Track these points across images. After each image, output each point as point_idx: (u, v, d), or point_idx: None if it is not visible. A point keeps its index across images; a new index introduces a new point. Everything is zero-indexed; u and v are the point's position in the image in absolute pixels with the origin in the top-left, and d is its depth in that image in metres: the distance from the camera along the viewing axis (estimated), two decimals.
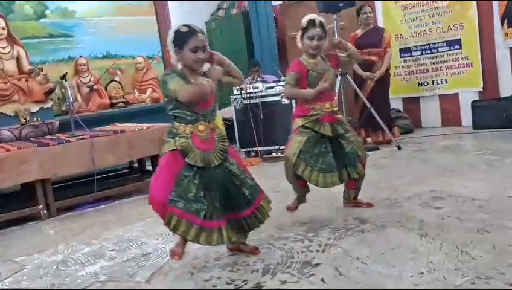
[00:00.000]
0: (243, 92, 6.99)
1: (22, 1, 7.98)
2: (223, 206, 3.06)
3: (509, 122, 6.53)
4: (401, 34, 7.87)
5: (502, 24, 6.69)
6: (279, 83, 6.89)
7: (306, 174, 3.70)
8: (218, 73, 3.10)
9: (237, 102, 7.10)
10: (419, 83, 7.80)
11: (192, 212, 2.92)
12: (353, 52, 3.96)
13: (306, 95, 3.73)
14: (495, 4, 6.71)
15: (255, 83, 7.13)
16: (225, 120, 8.30)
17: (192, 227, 2.92)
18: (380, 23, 7.88)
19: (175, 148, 2.99)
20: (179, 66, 3.05)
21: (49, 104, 6.72)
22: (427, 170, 4.98)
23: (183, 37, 2.95)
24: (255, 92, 6.93)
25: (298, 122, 3.78)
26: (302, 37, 3.76)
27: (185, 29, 2.96)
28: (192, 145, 2.99)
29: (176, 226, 2.92)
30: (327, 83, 3.67)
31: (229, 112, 7.70)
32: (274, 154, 6.82)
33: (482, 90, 7.14)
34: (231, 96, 7.20)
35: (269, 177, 5.49)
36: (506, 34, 6.68)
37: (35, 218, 5.02)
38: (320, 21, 3.69)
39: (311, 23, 3.68)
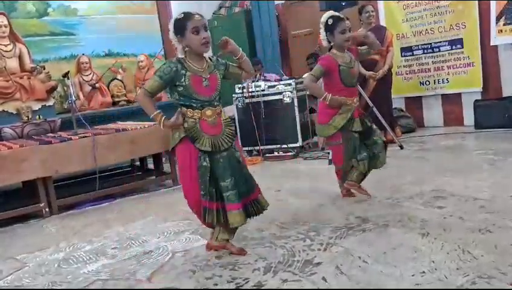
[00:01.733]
0: (244, 90, 6.98)
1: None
2: (237, 190, 3.13)
3: (511, 122, 6.51)
4: (402, 33, 7.86)
5: (498, 21, 6.66)
6: (281, 82, 6.87)
7: (360, 167, 3.98)
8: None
9: (239, 101, 7.09)
10: (420, 82, 7.79)
11: (216, 199, 3.08)
12: (374, 42, 4.05)
13: (323, 98, 3.86)
14: (493, 4, 6.69)
15: (257, 81, 7.13)
16: None
17: (220, 212, 3.10)
18: (382, 22, 7.86)
19: (184, 135, 3.06)
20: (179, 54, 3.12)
21: (51, 102, 6.73)
22: (429, 170, 4.98)
23: (182, 23, 3.03)
24: (257, 91, 6.92)
25: (332, 128, 3.92)
26: (331, 33, 3.85)
27: (180, 16, 3.05)
28: (201, 130, 3.06)
29: (209, 218, 3.08)
30: (346, 101, 3.88)
31: (231, 110, 7.69)
32: (276, 153, 6.83)
33: (482, 90, 7.13)
34: (233, 95, 7.19)
35: (271, 176, 5.51)
36: (500, 31, 6.66)
37: (36, 216, 5.03)
38: (344, 15, 3.89)
39: (339, 18, 3.83)
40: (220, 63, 3.23)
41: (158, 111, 3.08)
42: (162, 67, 3.03)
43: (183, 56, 3.09)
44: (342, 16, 3.85)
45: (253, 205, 3.22)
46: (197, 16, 3.03)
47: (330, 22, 3.82)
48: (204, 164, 3.05)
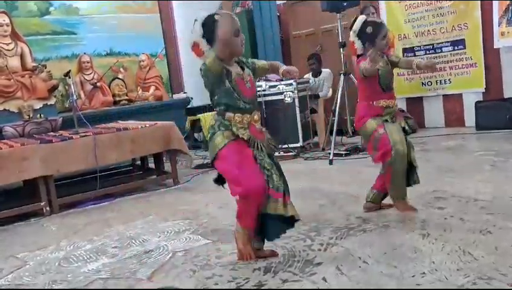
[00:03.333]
0: None
1: None
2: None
3: None
4: (404, 34, 7.85)
5: (500, 23, 6.65)
6: (282, 82, 6.86)
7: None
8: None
9: None
10: (422, 83, 7.78)
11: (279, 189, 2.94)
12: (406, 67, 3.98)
13: (374, 60, 3.50)
14: (495, 4, 6.68)
15: (258, 81, 7.13)
16: None
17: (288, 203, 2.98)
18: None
19: (233, 138, 2.89)
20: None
21: (52, 101, 6.73)
22: (430, 170, 4.97)
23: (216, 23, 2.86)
24: (258, 91, 6.92)
25: (372, 123, 3.63)
26: (372, 41, 3.60)
27: (217, 16, 2.89)
28: (252, 135, 2.93)
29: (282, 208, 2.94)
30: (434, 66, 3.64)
31: None
32: (276, 153, 6.81)
33: (484, 90, 7.12)
34: None
35: None
36: (503, 34, 6.65)
37: (37, 214, 5.03)
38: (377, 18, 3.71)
39: (377, 24, 3.63)
40: (248, 63, 3.11)
41: None
42: (210, 56, 2.82)
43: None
44: (378, 21, 3.68)
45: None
46: (233, 15, 2.95)
47: (370, 30, 3.58)
48: (262, 155, 2.94)
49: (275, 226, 3.00)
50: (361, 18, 3.69)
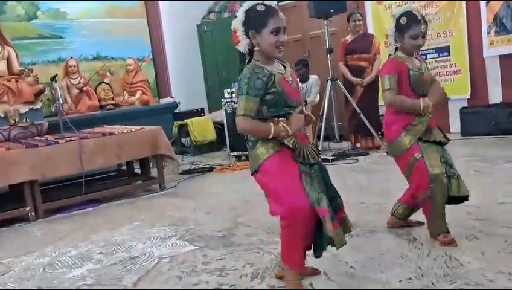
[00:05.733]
0: (233, 95, 6.97)
1: (14, 2, 7.94)
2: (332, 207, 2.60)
3: (498, 129, 6.56)
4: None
5: (489, 33, 6.72)
6: None
7: (454, 188, 3.23)
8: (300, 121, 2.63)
9: (228, 105, 7.08)
10: None
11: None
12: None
13: (419, 107, 3.21)
14: (483, 12, 6.75)
15: None
16: (216, 124, 8.30)
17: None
18: (370, 29, 7.90)
19: (278, 149, 2.54)
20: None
21: (38, 106, 6.67)
22: None
23: (262, 18, 2.55)
24: None
25: (405, 141, 3.22)
26: (400, 33, 3.21)
27: (262, 8, 2.57)
28: (298, 141, 2.58)
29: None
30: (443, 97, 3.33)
31: (220, 115, 7.69)
32: None
33: (469, 97, 7.16)
34: (222, 100, 7.19)
35: None
36: (492, 43, 6.72)
37: (23, 220, 4.97)
38: (422, 15, 3.19)
39: (414, 19, 3.16)
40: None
41: (271, 124, 2.52)
42: (250, 83, 2.50)
43: (255, 59, 2.62)
44: (419, 17, 3.14)
45: (342, 224, 2.66)
46: (281, 13, 2.58)
47: (403, 21, 3.16)
48: (307, 170, 2.57)
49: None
50: (407, 7, 3.32)
